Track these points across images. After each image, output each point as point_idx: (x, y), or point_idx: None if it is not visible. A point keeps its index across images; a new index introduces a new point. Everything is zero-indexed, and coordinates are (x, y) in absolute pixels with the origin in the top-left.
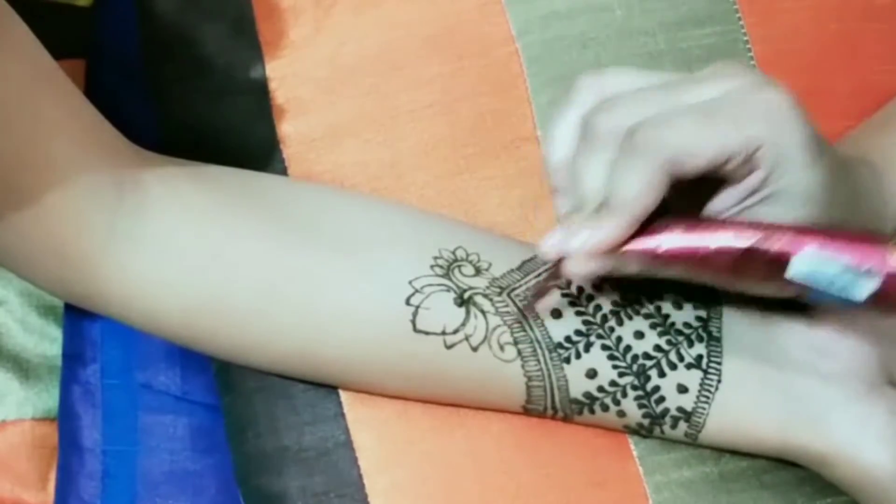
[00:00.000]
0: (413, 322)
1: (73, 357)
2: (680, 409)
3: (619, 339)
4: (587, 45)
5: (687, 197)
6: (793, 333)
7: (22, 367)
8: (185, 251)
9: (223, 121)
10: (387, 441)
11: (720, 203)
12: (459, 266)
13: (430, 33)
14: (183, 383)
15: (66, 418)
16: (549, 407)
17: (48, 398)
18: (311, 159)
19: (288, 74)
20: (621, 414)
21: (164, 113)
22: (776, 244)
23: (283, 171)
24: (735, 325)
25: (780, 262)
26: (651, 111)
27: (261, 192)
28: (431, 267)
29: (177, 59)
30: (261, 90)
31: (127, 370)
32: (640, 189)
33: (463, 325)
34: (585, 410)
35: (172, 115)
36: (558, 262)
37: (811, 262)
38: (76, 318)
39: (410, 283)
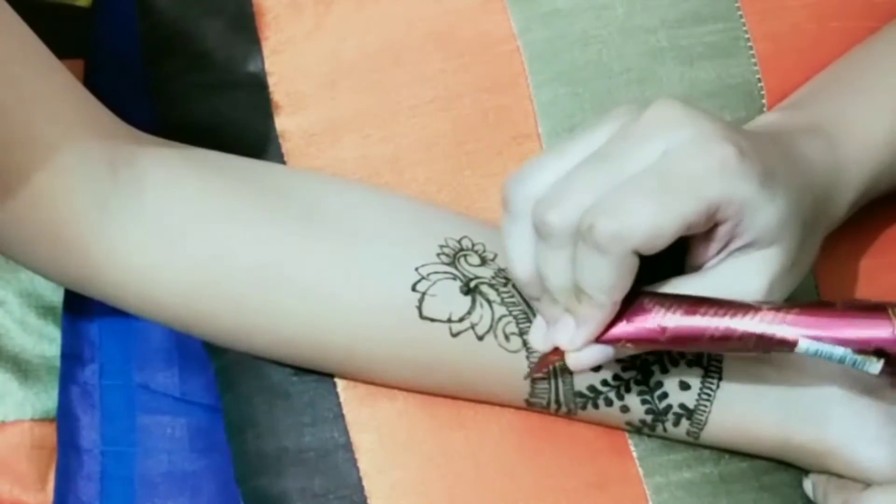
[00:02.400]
0: (419, 308)
1: (71, 357)
2: (682, 406)
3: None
4: (589, 43)
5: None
6: None
7: (21, 368)
8: (182, 230)
9: (222, 116)
10: (387, 442)
11: (700, 257)
12: (465, 255)
13: (432, 29)
14: (181, 384)
15: (64, 419)
16: (552, 401)
17: (47, 399)
18: (311, 154)
19: (288, 70)
20: (625, 409)
21: (164, 108)
22: (778, 332)
23: None
24: None
25: (787, 343)
26: (597, 191)
27: (261, 178)
28: (437, 255)
29: (176, 54)
30: (260, 85)
31: (125, 371)
32: (613, 281)
33: (469, 313)
34: (589, 405)
35: (172, 110)
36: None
37: (816, 347)
38: (74, 319)
39: (417, 269)
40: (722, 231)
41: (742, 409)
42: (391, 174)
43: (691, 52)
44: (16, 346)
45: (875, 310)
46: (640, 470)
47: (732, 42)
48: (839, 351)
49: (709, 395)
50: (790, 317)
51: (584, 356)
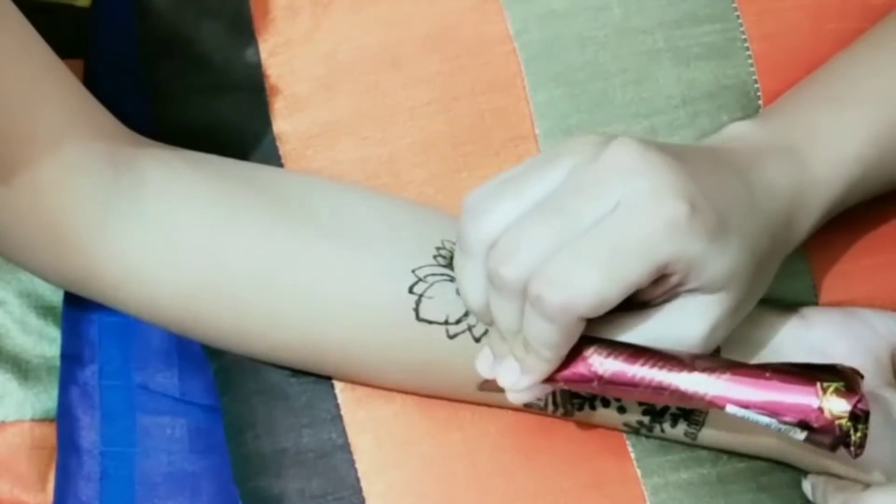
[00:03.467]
0: (416, 310)
1: (71, 358)
2: (680, 407)
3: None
4: (585, 44)
5: None
6: (788, 335)
7: (21, 368)
8: (182, 232)
9: (220, 118)
10: (385, 443)
11: (645, 296)
12: None
13: (429, 31)
14: (181, 384)
15: (64, 419)
16: (549, 402)
17: (47, 399)
18: (309, 156)
19: (285, 71)
20: (622, 410)
21: (162, 110)
22: (708, 394)
23: None
24: None
25: (716, 405)
26: (547, 248)
27: (260, 180)
28: (434, 257)
29: (174, 56)
30: (257, 87)
31: (125, 371)
32: (558, 341)
33: (466, 315)
34: (586, 406)
35: (169, 112)
36: None
37: (742, 413)
38: (74, 319)
39: (413, 271)
40: (669, 281)
41: None
42: (388, 176)
43: (688, 53)
44: (16, 346)
45: (805, 381)
46: (637, 470)
47: (729, 43)
48: (764, 419)
49: None
50: (721, 380)
51: (522, 394)
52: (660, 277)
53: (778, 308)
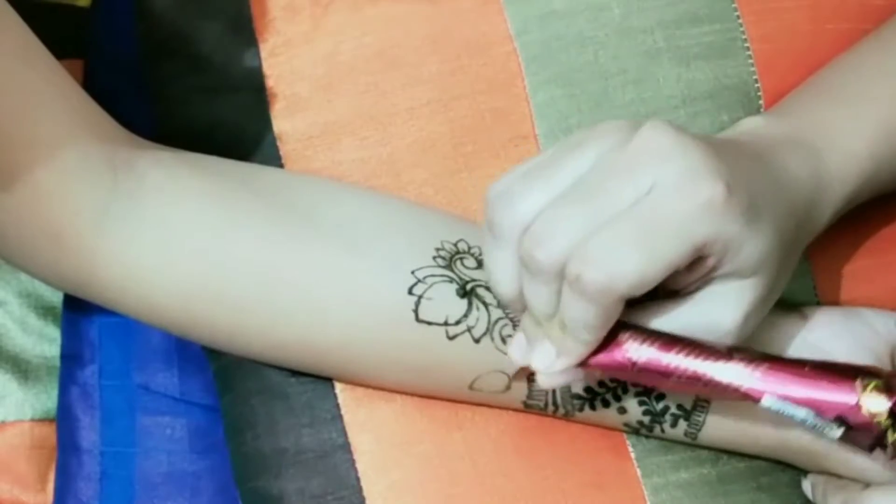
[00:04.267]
0: (416, 311)
1: (71, 358)
2: (680, 407)
3: None
4: (585, 44)
5: None
6: (789, 333)
7: (21, 368)
8: (181, 234)
9: (220, 118)
10: (385, 443)
11: (679, 283)
12: (461, 258)
13: (429, 32)
14: (181, 384)
15: (64, 419)
16: (549, 403)
17: (47, 399)
18: (309, 157)
19: (285, 72)
20: (622, 411)
21: (162, 111)
22: (744, 385)
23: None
24: None
25: (752, 397)
26: (584, 230)
27: (260, 182)
28: (434, 258)
29: (174, 56)
30: (258, 88)
31: (125, 371)
32: (598, 322)
33: (465, 316)
34: (586, 407)
35: (169, 112)
36: None
37: (779, 405)
38: (74, 319)
39: (413, 272)
40: (706, 264)
41: (740, 410)
42: (388, 176)
43: (688, 53)
44: (16, 346)
45: (844, 376)
46: (637, 470)
47: (729, 43)
48: (801, 413)
49: None
50: (759, 372)
51: (555, 378)
52: (695, 261)
53: (778, 308)
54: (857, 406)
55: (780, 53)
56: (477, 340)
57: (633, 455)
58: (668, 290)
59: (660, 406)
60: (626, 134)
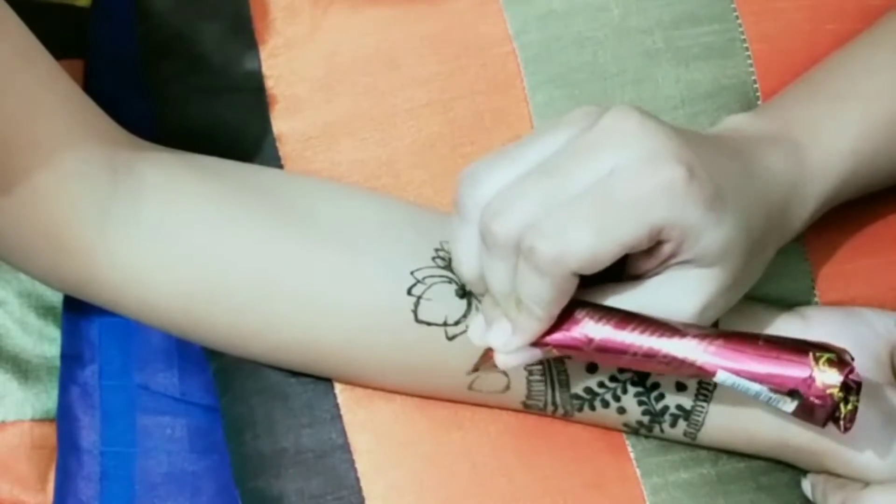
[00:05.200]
0: (415, 312)
1: (71, 358)
2: (679, 407)
3: None
4: (584, 45)
5: None
6: (789, 334)
7: (21, 368)
8: (180, 236)
9: (220, 119)
10: (384, 443)
11: (639, 268)
12: None
13: (428, 32)
14: (181, 384)
15: (64, 419)
16: (549, 403)
17: (47, 399)
18: (308, 157)
19: (285, 73)
20: (622, 411)
21: (161, 111)
22: (698, 360)
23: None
24: (731, 324)
25: (706, 372)
26: (541, 206)
27: (259, 183)
28: (433, 259)
29: (174, 57)
30: (257, 88)
31: (125, 371)
32: (550, 297)
33: (464, 316)
34: (586, 406)
35: (169, 113)
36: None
37: (733, 380)
38: (74, 319)
39: (412, 273)
40: (664, 249)
41: (739, 410)
42: (388, 177)
43: (687, 54)
44: (16, 346)
45: (797, 351)
46: (637, 470)
47: (729, 43)
48: (755, 387)
49: (705, 395)
50: (713, 347)
51: (511, 357)
52: (653, 246)
53: (778, 308)
54: (811, 379)
55: (779, 54)
56: None
57: (632, 455)
58: (630, 276)
59: (659, 406)
60: (595, 119)
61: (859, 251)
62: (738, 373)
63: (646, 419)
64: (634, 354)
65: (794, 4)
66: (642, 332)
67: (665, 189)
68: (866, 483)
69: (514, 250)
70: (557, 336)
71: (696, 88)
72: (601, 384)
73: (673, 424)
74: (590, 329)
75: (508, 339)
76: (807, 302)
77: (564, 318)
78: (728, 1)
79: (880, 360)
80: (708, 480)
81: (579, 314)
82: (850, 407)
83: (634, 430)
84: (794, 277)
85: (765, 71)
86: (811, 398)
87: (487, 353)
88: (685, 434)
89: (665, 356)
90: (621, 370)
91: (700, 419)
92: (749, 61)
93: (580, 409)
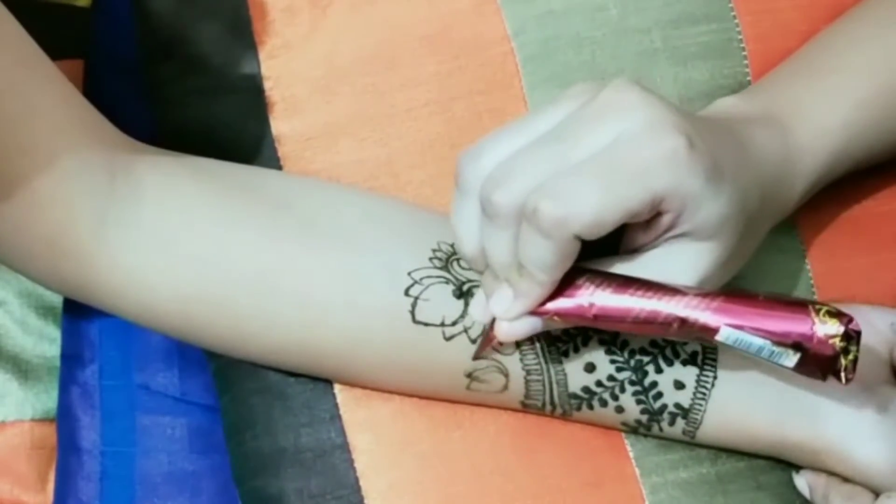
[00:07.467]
0: (412, 313)
1: (71, 358)
2: (677, 406)
3: (616, 334)
4: (582, 44)
5: None
6: None
7: (21, 368)
8: (179, 238)
9: (219, 120)
10: (383, 443)
11: (636, 240)
12: (458, 259)
13: (427, 32)
14: (181, 384)
15: (64, 419)
16: (547, 402)
17: (47, 399)
18: (307, 158)
19: (284, 73)
20: (620, 410)
21: (160, 112)
22: (700, 318)
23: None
24: None
25: (709, 330)
26: (544, 174)
27: (257, 185)
28: (430, 259)
29: (173, 58)
30: (256, 89)
31: (125, 371)
32: (554, 261)
33: (462, 316)
34: (584, 406)
35: (168, 114)
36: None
37: (736, 336)
38: (74, 319)
39: (409, 274)
40: (662, 221)
41: (737, 408)
42: (387, 177)
43: (685, 53)
44: (16, 346)
45: (797, 305)
46: (636, 469)
47: (726, 43)
48: (758, 341)
49: (704, 394)
50: (714, 304)
51: (513, 327)
52: (651, 219)
53: None
54: (813, 329)
55: (776, 53)
56: (473, 341)
57: (631, 454)
58: (626, 251)
59: (657, 405)
60: (596, 92)
61: (858, 250)
62: (741, 328)
63: (644, 418)
64: (636, 318)
65: (790, 4)
66: (643, 294)
67: (668, 157)
68: (875, 494)
69: (516, 219)
70: (559, 302)
71: (694, 87)
72: (599, 383)
73: (671, 423)
74: (591, 294)
75: (510, 305)
76: None
77: (565, 285)
78: (725, 1)
79: (880, 358)
80: (707, 479)
81: (580, 281)
82: (850, 357)
83: (633, 429)
84: (794, 276)
85: (761, 70)
86: (814, 349)
87: (489, 336)
88: (684, 432)
89: (667, 317)
90: (619, 369)
91: (698, 417)
92: (746, 61)
93: (578, 409)
